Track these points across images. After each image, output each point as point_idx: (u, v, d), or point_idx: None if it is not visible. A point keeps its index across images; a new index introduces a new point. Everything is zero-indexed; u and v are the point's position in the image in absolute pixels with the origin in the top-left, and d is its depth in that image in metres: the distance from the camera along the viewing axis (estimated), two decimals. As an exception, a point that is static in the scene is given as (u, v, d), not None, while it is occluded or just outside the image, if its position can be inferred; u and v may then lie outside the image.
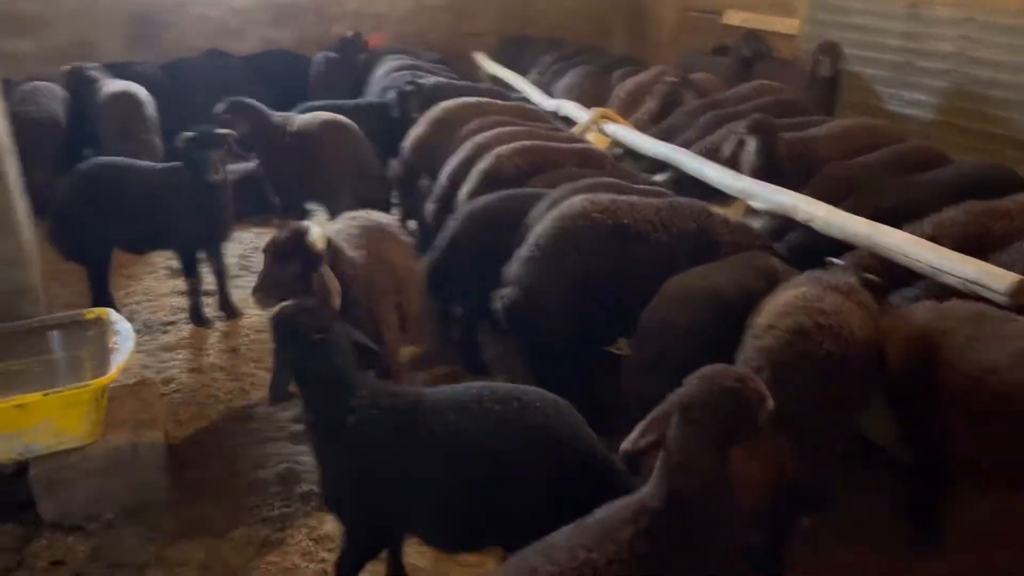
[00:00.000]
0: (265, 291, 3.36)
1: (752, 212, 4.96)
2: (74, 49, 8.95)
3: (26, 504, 3.62)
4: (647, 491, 2.23)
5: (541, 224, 4.13)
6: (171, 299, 5.76)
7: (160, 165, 5.31)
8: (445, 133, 5.64)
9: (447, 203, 5.04)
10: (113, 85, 7.11)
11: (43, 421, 3.44)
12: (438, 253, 4.62)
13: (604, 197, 4.11)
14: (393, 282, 3.89)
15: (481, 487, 2.64)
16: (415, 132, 5.86)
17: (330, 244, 3.45)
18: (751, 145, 5.01)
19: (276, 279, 3.36)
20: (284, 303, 3.02)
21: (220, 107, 5.84)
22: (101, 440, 3.64)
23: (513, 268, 4.15)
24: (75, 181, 5.09)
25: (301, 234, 3.35)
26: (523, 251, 4.13)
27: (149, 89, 7.46)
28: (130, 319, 5.20)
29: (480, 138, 5.20)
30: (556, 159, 4.87)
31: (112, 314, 4.05)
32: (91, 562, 3.41)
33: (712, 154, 5.39)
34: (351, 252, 3.67)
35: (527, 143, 4.95)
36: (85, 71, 7.32)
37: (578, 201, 4.09)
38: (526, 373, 4.56)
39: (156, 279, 6.09)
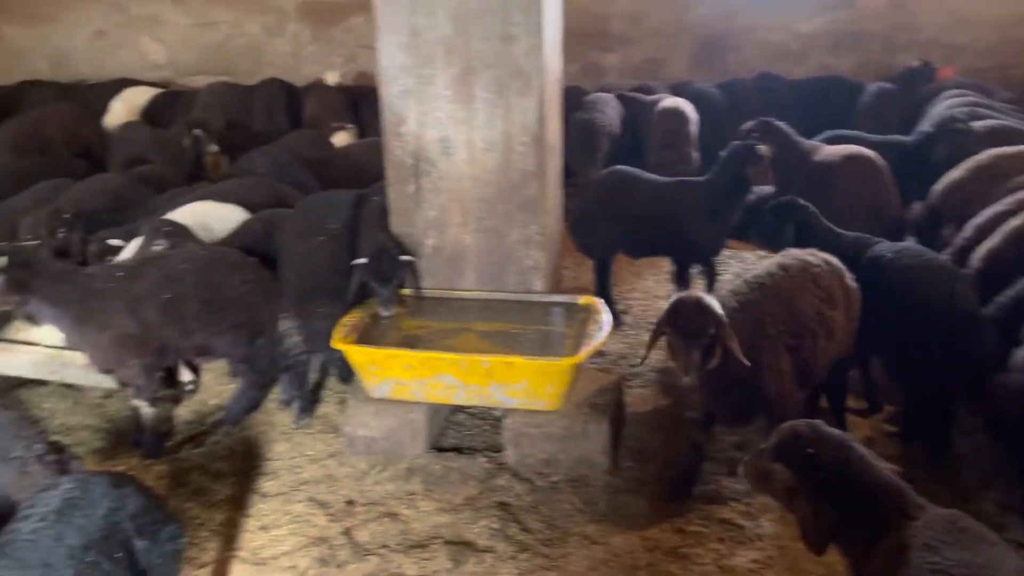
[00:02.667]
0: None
1: None
2: (647, 66, 10.00)
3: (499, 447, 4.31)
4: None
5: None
6: (665, 302, 6.14)
7: (671, 179, 5.65)
8: (986, 182, 4.95)
9: (964, 257, 4.44)
10: (666, 101, 7.77)
11: (522, 381, 4.03)
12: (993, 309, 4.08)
13: None
14: (790, 325, 3.71)
15: None
16: (950, 176, 5.25)
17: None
18: None
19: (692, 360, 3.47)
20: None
21: (749, 125, 6.02)
22: (562, 411, 4.12)
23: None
24: (596, 185, 5.75)
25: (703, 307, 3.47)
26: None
27: (705, 107, 8.00)
28: (624, 312, 5.76)
29: (1026, 194, 4.45)
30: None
31: (600, 304, 4.51)
32: (528, 513, 3.91)
33: None
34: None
35: (1083, 207, 4.08)
36: (646, 87, 8.13)
37: None
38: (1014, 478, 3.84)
39: (657, 281, 6.53)
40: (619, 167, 6.03)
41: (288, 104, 9.26)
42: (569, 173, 7.65)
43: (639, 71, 9.80)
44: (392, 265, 4.42)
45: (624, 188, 5.57)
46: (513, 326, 4.56)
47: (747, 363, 3.42)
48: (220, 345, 4.45)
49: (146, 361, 4.27)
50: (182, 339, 4.33)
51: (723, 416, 3.93)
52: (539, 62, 4.33)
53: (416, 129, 4.52)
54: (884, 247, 4.32)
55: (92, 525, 2.59)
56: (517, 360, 3.97)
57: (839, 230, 4.68)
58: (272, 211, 5.24)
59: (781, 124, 5.97)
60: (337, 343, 4.17)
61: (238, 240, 4.89)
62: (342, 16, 10.31)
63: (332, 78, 9.56)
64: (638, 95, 8.29)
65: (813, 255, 4.06)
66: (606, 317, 4.34)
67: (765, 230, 5.69)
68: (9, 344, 4.62)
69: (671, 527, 3.79)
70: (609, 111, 8.02)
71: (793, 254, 4.08)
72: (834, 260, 4.06)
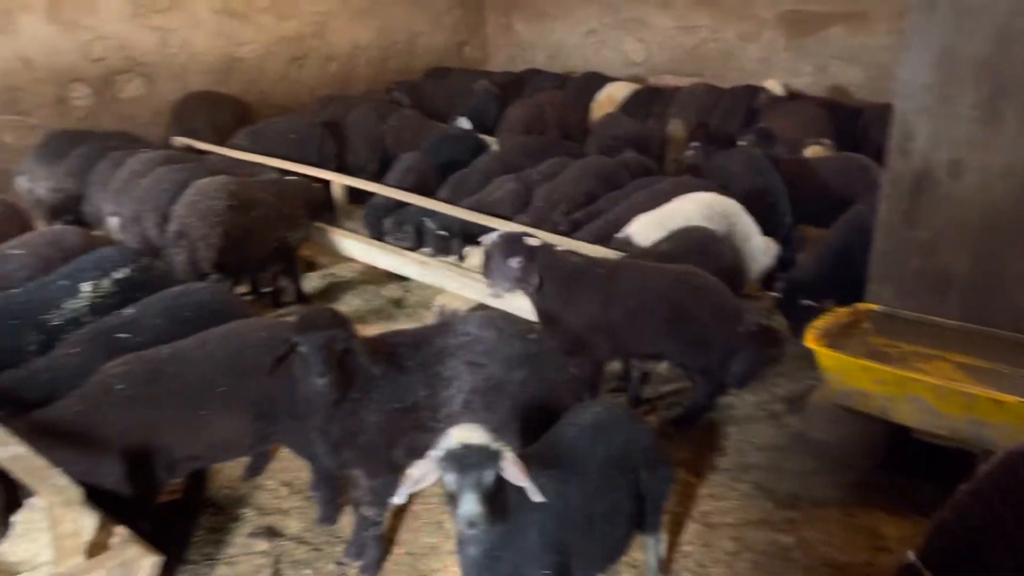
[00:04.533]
0: None
1: None
2: None
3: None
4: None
5: None
6: None
7: None
8: None
9: None
10: None
11: (1009, 422, 3.80)
12: None
13: None
14: None
15: None
16: None
17: None
18: None
19: None
20: None
21: None
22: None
23: None
24: None
25: None
26: None
27: None
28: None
29: None
30: None
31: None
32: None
33: None
34: None
35: None
36: None
37: None
38: None
39: None
40: None
41: (750, 109, 9.48)
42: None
43: None
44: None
45: None
46: (998, 364, 4.29)
47: None
48: (674, 356, 4.76)
49: (601, 353, 4.70)
50: (640, 345, 4.72)
51: None
52: (1091, 88, 4.00)
53: (925, 148, 4.44)
54: None
55: (615, 446, 3.11)
56: (1011, 400, 3.75)
57: None
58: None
59: None
60: (809, 343, 4.32)
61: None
62: (821, 26, 10.27)
63: (774, 87, 9.59)
64: None
65: None
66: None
67: None
68: (469, 273, 5.70)
69: None
70: None
71: None
72: None
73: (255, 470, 4.36)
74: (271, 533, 3.93)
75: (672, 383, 5.30)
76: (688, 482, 4.30)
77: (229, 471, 4.35)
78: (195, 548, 3.83)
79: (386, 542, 3.83)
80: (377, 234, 6.81)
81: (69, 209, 6.86)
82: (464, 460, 2.50)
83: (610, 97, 10.10)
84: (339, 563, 3.75)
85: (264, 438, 3.79)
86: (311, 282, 6.98)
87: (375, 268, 6.73)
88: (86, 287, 4.36)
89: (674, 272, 4.75)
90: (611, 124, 8.79)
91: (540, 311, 4.68)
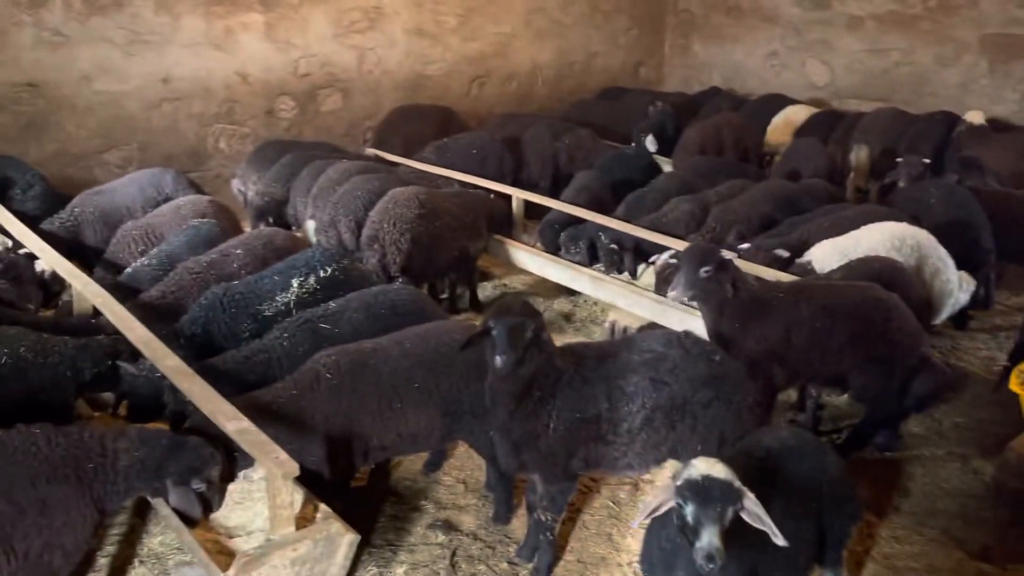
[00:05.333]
0: None
1: None
2: None
3: None
4: None
5: None
6: None
7: None
8: None
9: None
10: None
11: None
12: None
13: None
14: None
15: None
16: None
17: None
18: None
19: None
20: None
21: None
22: None
23: None
24: None
25: None
26: None
27: None
28: None
29: None
30: None
31: None
32: None
33: None
34: None
35: None
36: None
37: None
38: None
39: None
40: None
41: (946, 138, 8.91)
42: None
43: None
44: None
45: None
46: None
47: None
48: (854, 377, 4.53)
49: (775, 380, 4.51)
50: (821, 367, 4.53)
51: None
52: None
53: None
54: None
55: (800, 473, 3.06)
56: None
57: None
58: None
59: None
60: (1015, 387, 4.06)
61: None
62: (1031, 50, 9.57)
63: (976, 118, 8.93)
64: None
65: None
66: None
67: None
68: (641, 291, 5.76)
69: None
70: None
71: None
72: None
73: (433, 466, 4.58)
74: (448, 527, 4.13)
75: (851, 418, 5.10)
76: (869, 521, 4.12)
77: (409, 464, 4.60)
78: (378, 533, 4.08)
79: (557, 548, 3.93)
80: (552, 248, 6.98)
81: (273, 212, 7.47)
82: (706, 493, 2.46)
83: (787, 120, 9.83)
84: (511, 562, 3.89)
85: (449, 434, 4.00)
86: (484, 291, 7.22)
87: (546, 281, 6.89)
88: (295, 283, 4.76)
89: (856, 288, 4.64)
90: (795, 148, 8.56)
91: (715, 333, 4.54)
